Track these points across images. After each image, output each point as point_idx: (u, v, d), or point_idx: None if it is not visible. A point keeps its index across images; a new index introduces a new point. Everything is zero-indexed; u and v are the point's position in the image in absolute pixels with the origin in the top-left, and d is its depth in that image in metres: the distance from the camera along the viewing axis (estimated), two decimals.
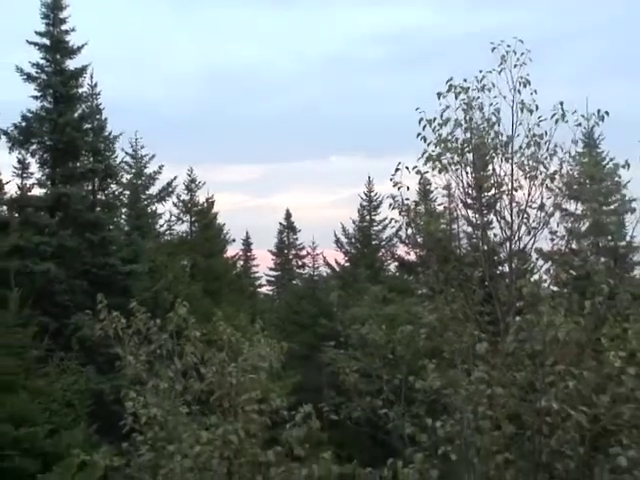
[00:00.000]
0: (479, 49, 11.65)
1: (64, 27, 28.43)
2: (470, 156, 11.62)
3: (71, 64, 28.62)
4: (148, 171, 36.51)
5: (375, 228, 43.64)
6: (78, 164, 28.63)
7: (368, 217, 43.61)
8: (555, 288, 11.71)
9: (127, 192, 31.94)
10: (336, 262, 43.51)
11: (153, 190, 36.20)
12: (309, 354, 32.20)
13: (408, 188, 11.55)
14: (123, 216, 32.18)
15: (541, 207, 11.66)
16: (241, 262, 50.55)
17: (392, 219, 12.31)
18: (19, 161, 28.44)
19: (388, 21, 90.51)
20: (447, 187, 11.84)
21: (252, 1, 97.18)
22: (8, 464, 20.18)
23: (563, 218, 12.62)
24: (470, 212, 12.51)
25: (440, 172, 11.60)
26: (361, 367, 10.94)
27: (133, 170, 35.84)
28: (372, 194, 43.48)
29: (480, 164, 11.74)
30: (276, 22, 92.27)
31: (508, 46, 11.35)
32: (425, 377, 9.75)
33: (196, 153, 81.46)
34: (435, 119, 11.39)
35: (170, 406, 9.52)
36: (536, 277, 12.32)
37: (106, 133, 29.63)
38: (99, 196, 29.46)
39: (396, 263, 42.79)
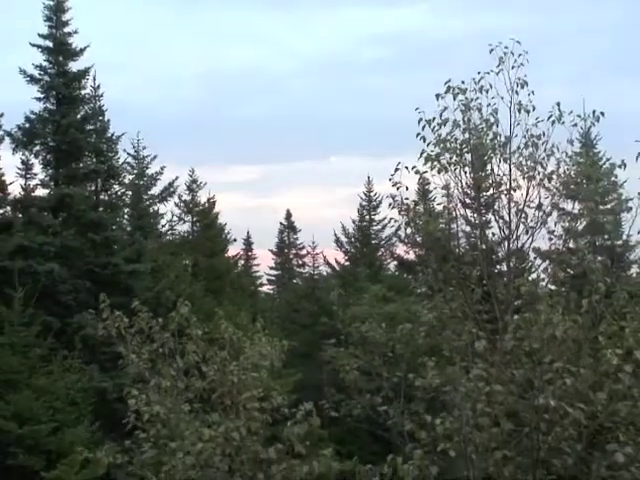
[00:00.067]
0: (478, 50, 11.64)
1: (66, 29, 28.45)
2: (469, 156, 11.62)
3: (74, 66, 28.67)
4: (150, 172, 36.46)
5: (375, 228, 43.63)
6: (81, 165, 28.63)
7: (368, 217, 43.59)
8: (553, 287, 11.71)
9: (129, 192, 31.94)
10: (336, 261, 43.57)
11: (155, 190, 36.17)
12: (309, 352, 32.20)
13: (407, 188, 11.56)
14: (125, 216, 32.15)
15: (539, 207, 11.65)
16: (242, 261, 50.55)
17: (391, 219, 12.31)
18: (23, 162, 28.49)
19: (388, 22, 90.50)
20: (446, 187, 11.82)
21: (252, 3, 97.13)
22: (12, 461, 20.20)
23: (560, 217, 12.62)
24: (469, 212, 12.50)
25: (439, 172, 11.59)
26: (361, 365, 10.94)
27: (135, 171, 35.80)
28: (371, 194, 43.47)
29: (478, 164, 11.74)
30: (275, 24, 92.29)
31: (506, 48, 11.35)
32: (424, 375, 9.76)
33: (197, 154, 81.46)
34: (434, 119, 11.39)
35: (172, 404, 9.53)
36: (534, 276, 12.30)
37: (109, 134, 29.64)
38: (102, 196, 29.48)
39: (395, 262, 42.82)
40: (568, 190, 11.94)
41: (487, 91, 11.49)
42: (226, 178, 76.53)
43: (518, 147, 11.62)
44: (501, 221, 11.84)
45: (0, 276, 24.14)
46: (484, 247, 12.15)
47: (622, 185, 20.39)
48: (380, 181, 44.18)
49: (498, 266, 13.40)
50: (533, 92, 11.46)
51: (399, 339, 11.14)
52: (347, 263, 42.95)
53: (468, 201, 12.29)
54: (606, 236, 27.15)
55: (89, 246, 27.14)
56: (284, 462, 8.72)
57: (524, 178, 11.59)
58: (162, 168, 36.23)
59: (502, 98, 11.51)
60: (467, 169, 11.69)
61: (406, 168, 11.36)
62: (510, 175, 11.64)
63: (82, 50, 28.54)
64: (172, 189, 36.63)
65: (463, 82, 11.49)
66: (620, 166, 10.63)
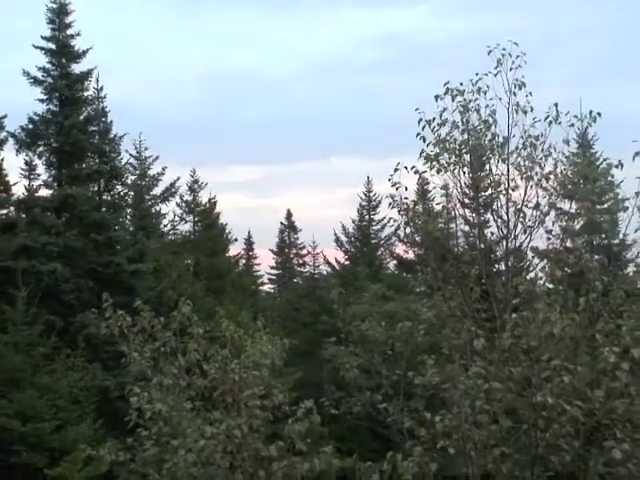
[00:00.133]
0: (478, 51, 11.61)
1: (69, 32, 28.53)
2: (467, 157, 11.62)
3: (76, 68, 28.74)
4: (152, 172, 36.52)
5: (374, 227, 43.66)
6: (84, 166, 28.68)
7: (367, 217, 43.62)
8: (550, 285, 11.68)
9: (132, 193, 31.96)
10: (336, 261, 43.62)
11: (157, 191, 36.22)
12: (310, 351, 32.20)
13: (406, 188, 11.55)
14: (128, 216, 32.19)
15: (536, 206, 11.64)
16: (243, 261, 50.57)
17: (391, 218, 12.29)
18: (26, 163, 28.54)
19: (387, 24, 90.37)
20: (445, 187, 11.82)
21: (253, 6, 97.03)
22: (16, 459, 20.22)
23: (558, 217, 12.60)
24: (467, 211, 12.50)
25: (438, 172, 11.59)
26: (361, 363, 10.93)
27: (137, 171, 35.82)
28: (371, 194, 43.52)
29: (477, 165, 11.73)
30: (276, 26, 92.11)
31: (504, 49, 11.35)
32: (424, 372, 9.76)
33: (199, 154, 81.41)
34: (434, 119, 11.40)
35: (174, 402, 9.52)
36: (532, 275, 12.30)
37: (111, 135, 29.65)
38: (105, 197, 29.52)
39: (395, 261, 42.85)
40: (565, 190, 11.93)
41: (485, 92, 11.49)
42: (227, 178, 76.57)
43: (516, 148, 11.62)
44: (499, 221, 11.83)
45: (4, 276, 24.16)
46: (483, 246, 12.14)
47: (619, 185, 20.43)
48: (380, 181, 44.25)
49: (496, 265, 13.39)
50: (531, 93, 11.46)
51: (399, 337, 11.14)
52: (347, 262, 42.99)
53: (467, 201, 12.29)
54: (603, 235, 27.17)
55: (92, 246, 27.17)
56: (285, 459, 8.72)
57: (522, 178, 11.59)
58: (164, 169, 36.31)
59: (500, 99, 11.51)
60: (466, 169, 11.69)
61: (405, 168, 11.35)
62: (508, 175, 11.64)
63: (85, 52, 28.58)
64: (174, 189, 36.70)
65: (461, 84, 11.49)
66: (617, 166, 10.62)
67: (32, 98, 28.21)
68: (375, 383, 10.58)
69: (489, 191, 11.96)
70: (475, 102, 11.50)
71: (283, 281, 52.74)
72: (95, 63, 28.94)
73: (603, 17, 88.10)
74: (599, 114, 11.18)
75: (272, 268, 54.30)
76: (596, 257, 10.77)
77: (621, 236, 26.92)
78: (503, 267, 12.38)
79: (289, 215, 53.99)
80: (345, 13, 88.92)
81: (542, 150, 11.52)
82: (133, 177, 34.25)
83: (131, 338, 9.96)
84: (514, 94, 11.46)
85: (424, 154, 11.46)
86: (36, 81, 28.15)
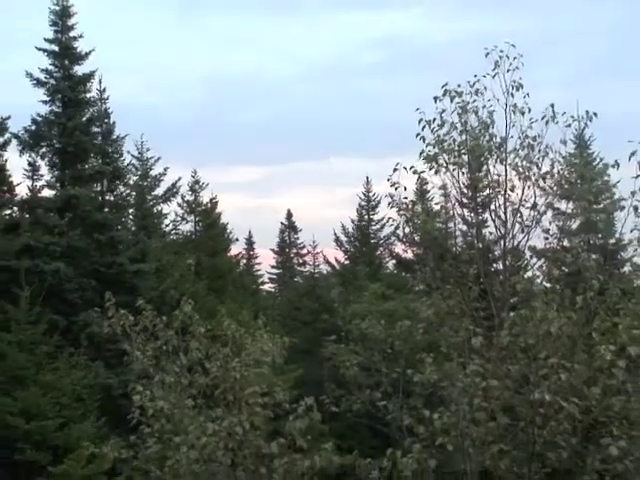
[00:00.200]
0: (476, 52, 11.61)
1: (72, 34, 28.45)
2: (466, 157, 11.63)
3: (79, 70, 28.67)
4: (154, 173, 36.55)
5: (373, 227, 43.66)
6: (87, 166, 28.64)
7: (366, 216, 43.63)
8: (548, 284, 11.71)
9: (134, 193, 31.95)
10: (336, 260, 43.63)
11: (159, 191, 36.26)
12: (310, 349, 32.19)
13: (405, 188, 11.57)
14: (130, 216, 32.18)
15: (534, 206, 11.65)
16: (244, 260, 50.51)
17: (390, 218, 12.30)
18: (29, 164, 28.54)
19: (384, 26, 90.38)
20: (443, 187, 11.84)
21: (253, 9, 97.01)
22: (20, 456, 20.22)
23: (555, 217, 12.63)
24: (466, 211, 12.52)
25: (437, 173, 11.61)
26: (361, 361, 10.95)
27: (139, 172, 35.84)
28: (370, 194, 43.53)
29: (475, 165, 11.74)
30: (276, 28, 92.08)
31: (501, 51, 11.36)
32: (422, 370, 9.77)
33: (200, 155, 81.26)
34: (435, 119, 11.42)
35: (176, 399, 9.54)
36: (529, 274, 12.32)
37: (114, 136, 29.64)
38: (107, 197, 29.48)
39: (394, 261, 42.83)
40: (562, 190, 11.94)
41: (482, 94, 11.50)
42: (228, 179, 76.47)
43: (514, 148, 11.63)
44: (497, 220, 11.84)
45: (7, 275, 24.16)
46: (481, 246, 12.15)
47: (615, 185, 20.44)
48: (379, 182, 44.23)
49: (494, 264, 13.41)
50: (528, 94, 11.47)
51: (398, 336, 11.16)
52: (347, 262, 43.00)
53: (465, 201, 12.30)
54: (599, 235, 27.14)
55: (94, 246, 27.16)
56: (286, 456, 8.73)
57: (520, 178, 11.60)
58: (165, 169, 36.34)
59: (498, 100, 11.52)
60: (464, 170, 11.70)
61: (405, 168, 11.36)
62: (506, 175, 11.64)
63: (87, 54, 28.55)
64: (175, 190, 36.72)
65: (459, 85, 11.51)
66: (613, 166, 10.62)
67: (35, 99, 28.19)
68: (375, 381, 10.60)
69: (487, 191, 11.97)
70: (473, 104, 11.53)
71: (284, 280, 52.71)
72: (97, 65, 28.90)
73: (601, 18, 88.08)
74: (595, 114, 11.20)
75: (273, 267, 54.32)
76: (593, 256, 10.79)
77: (617, 235, 26.90)
78: (501, 266, 12.39)
79: (289, 215, 54.00)
80: (344, 16, 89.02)
81: (539, 151, 11.53)
82: (135, 178, 34.28)
83: (133, 337, 9.98)
84: (512, 95, 11.48)
85: (424, 154, 11.48)
86: (39, 83, 28.12)
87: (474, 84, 11.42)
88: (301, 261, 52.00)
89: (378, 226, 43.28)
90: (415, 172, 11.54)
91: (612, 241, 27.04)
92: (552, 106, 11.34)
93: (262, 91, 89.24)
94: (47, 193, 28.48)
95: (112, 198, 29.66)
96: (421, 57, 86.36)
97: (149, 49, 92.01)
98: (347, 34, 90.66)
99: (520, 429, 8.72)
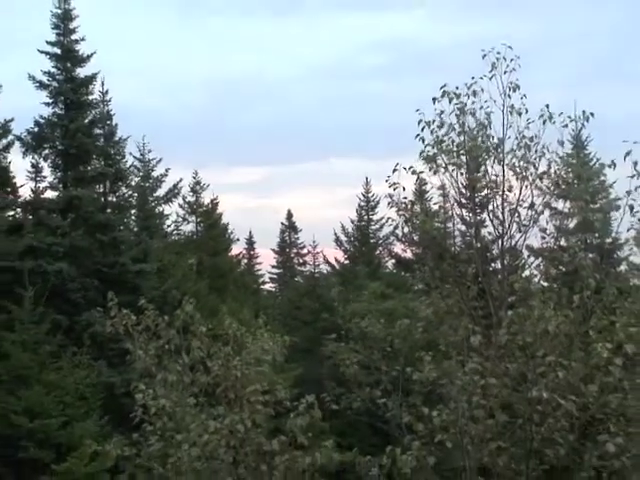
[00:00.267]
0: (477, 55, 11.60)
1: (74, 37, 28.48)
2: (464, 158, 11.63)
3: (81, 72, 28.70)
4: (155, 174, 36.52)
5: (373, 227, 43.67)
6: (89, 168, 28.65)
7: (366, 217, 43.64)
8: (545, 283, 11.73)
9: (136, 194, 31.95)
10: (336, 260, 43.63)
11: (160, 192, 36.22)
12: (311, 347, 32.20)
13: (404, 188, 11.58)
14: (132, 217, 32.18)
15: (531, 206, 11.66)
16: (245, 260, 50.54)
17: (389, 218, 12.29)
18: (32, 165, 28.51)
19: (386, 29, 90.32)
20: (442, 187, 11.85)
21: (254, 11, 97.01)
22: (24, 454, 20.24)
23: (552, 216, 12.65)
24: (464, 211, 12.53)
25: (435, 173, 11.63)
26: (361, 359, 10.96)
27: (141, 173, 35.84)
28: (369, 195, 43.54)
29: (473, 166, 11.75)
30: (277, 30, 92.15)
31: (498, 53, 11.36)
32: (422, 368, 9.78)
33: (201, 156, 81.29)
34: (434, 121, 11.43)
35: (178, 398, 9.54)
36: (527, 273, 12.34)
37: (116, 138, 29.65)
38: (109, 198, 29.50)
39: (393, 260, 42.86)
40: (559, 190, 11.95)
41: (479, 95, 11.49)
42: (229, 180, 76.50)
43: (511, 149, 11.64)
44: (495, 220, 11.85)
45: (11, 276, 24.17)
46: (479, 245, 12.17)
47: (612, 185, 20.46)
48: (379, 182, 44.23)
49: (493, 264, 13.43)
50: (525, 95, 11.47)
51: (397, 334, 11.17)
52: (347, 261, 43.01)
53: (463, 201, 12.30)
54: (596, 234, 27.17)
55: (97, 246, 27.17)
56: (287, 453, 8.73)
57: (517, 178, 11.61)
58: (167, 170, 36.31)
59: (495, 101, 11.53)
60: (463, 170, 11.71)
61: (404, 169, 11.38)
62: (504, 176, 11.66)
63: (89, 57, 28.58)
64: (177, 190, 36.70)
65: (457, 87, 11.51)
66: (610, 166, 10.62)
67: (38, 102, 28.23)
68: (374, 379, 10.61)
69: (485, 191, 11.98)
70: (472, 105, 11.53)
71: (284, 280, 52.71)
72: (99, 67, 28.94)
73: (602, 19, 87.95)
74: (592, 114, 11.20)
75: (273, 267, 54.32)
76: (589, 255, 10.80)
77: (614, 235, 26.95)
78: (499, 265, 12.41)
79: (290, 215, 54.01)
80: (346, 17, 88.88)
81: (536, 151, 11.54)
82: (137, 179, 34.27)
83: (136, 336, 9.98)
84: (509, 96, 11.48)
85: (424, 155, 11.50)
86: (42, 85, 28.14)
87: (471, 86, 11.43)
88: (301, 261, 52.03)
89: (377, 226, 43.31)
90: (414, 172, 11.55)
91: (609, 240, 27.08)
92: (547, 107, 11.35)
93: (263, 92, 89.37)
94: (50, 194, 28.54)
95: (114, 199, 29.70)
96: (424, 59, 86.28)
97: (150, 51, 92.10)
98: (348, 36, 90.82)
99: (518, 426, 8.73)
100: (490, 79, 11.42)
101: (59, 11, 28.20)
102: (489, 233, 12.24)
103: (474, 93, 11.44)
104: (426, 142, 11.49)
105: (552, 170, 11.66)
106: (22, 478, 20.73)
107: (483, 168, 11.81)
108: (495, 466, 8.75)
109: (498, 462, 8.70)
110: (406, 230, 12.39)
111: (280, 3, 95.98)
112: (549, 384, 8.23)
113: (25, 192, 28.23)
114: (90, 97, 28.87)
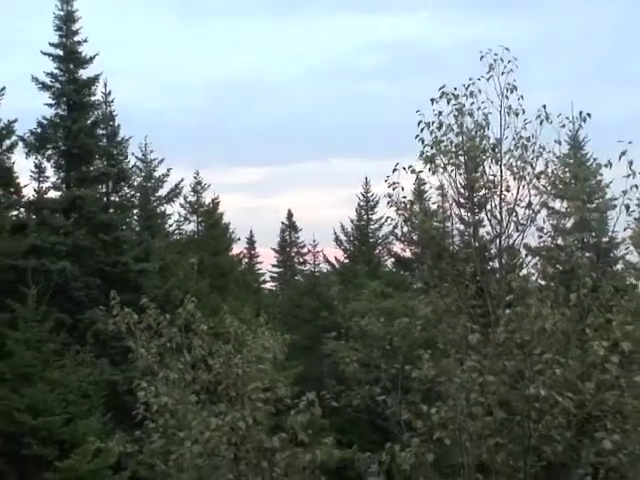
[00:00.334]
0: (476, 56, 11.58)
1: (76, 38, 28.49)
2: (462, 158, 11.63)
3: (84, 73, 28.72)
4: (157, 174, 36.55)
5: (372, 227, 43.68)
6: (92, 168, 28.68)
7: (365, 216, 43.65)
8: (542, 282, 11.71)
9: (138, 194, 31.98)
10: (336, 259, 43.66)
11: (162, 192, 36.25)
12: (311, 345, 32.20)
13: (403, 188, 11.57)
14: (134, 217, 32.21)
15: (529, 205, 11.65)
16: (246, 260, 50.53)
17: (388, 217, 12.28)
18: (36, 165, 28.56)
19: (386, 30, 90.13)
20: (441, 187, 11.85)
21: (254, 12, 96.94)
22: (27, 451, 20.25)
23: (549, 215, 12.64)
24: (462, 211, 12.51)
25: (434, 173, 11.62)
26: (360, 357, 10.95)
27: (143, 173, 35.87)
28: (369, 195, 43.56)
29: (471, 166, 11.74)
30: (277, 31, 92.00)
31: (495, 54, 11.36)
32: (420, 366, 9.78)
33: (202, 157, 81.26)
34: (433, 122, 11.43)
35: (180, 395, 9.54)
36: (524, 271, 12.33)
37: (118, 138, 29.66)
38: (112, 198, 29.53)
39: (393, 259, 42.88)
40: (556, 189, 11.95)
41: (476, 96, 11.49)
42: (230, 180, 76.44)
43: (509, 149, 11.63)
44: (493, 219, 11.85)
45: (15, 275, 24.19)
46: (477, 244, 12.16)
47: (608, 185, 20.44)
48: (379, 182, 44.26)
49: (490, 262, 13.42)
50: (522, 96, 11.45)
51: (396, 333, 11.17)
52: (346, 261, 43.04)
53: (462, 201, 12.29)
54: (593, 233, 27.14)
55: (100, 246, 27.18)
56: (287, 450, 8.74)
57: (514, 178, 11.60)
58: (168, 170, 36.35)
59: (492, 102, 11.52)
60: (461, 170, 11.71)
61: (403, 168, 11.37)
62: (501, 176, 11.65)
63: (92, 58, 28.60)
64: (178, 190, 36.72)
65: (455, 88, 11.51)
66: (606, 165, 10.61)
67: (41, 103, 28.26)
68: (374, 377, 10.60)
69: (483, 191, 11.98)
70: (470, 106, 11.53)
71: (284, 279, 52.75)
72: (102, 68, 28.97)
73: (602, 19, 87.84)
74: (589, 114, 11.20)
75: (274, 266, 54.35)
76: (586, 254, 10.78)
77: (610, 234, 26.92)
78: (497, 264, 12.40)
79: (290, 215, 54.04)
80: (346, 19, 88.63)
81: (533, 151, 11.53)
82: (139, 179, 34.33)
83: (138, 334, 9.98)
84: (506, 97, 11.47)
85: (423, 155, 11.49)
86: (44, 86, 28.16)
87: (468, 87, 11.42)
88: (301, 260, 52.07)
89: (377, 225, 43.33)
90: (413, 172, 11.55)
91: (605, 239, 27.05)
92: (544, 107, 11.35)
93: (263, 93, 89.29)
94: (53, 194, 28.58)
95: (117, 199, 29.73)
96: (426, 61, 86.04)
97: (150, 52, 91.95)
98: (349, 36, 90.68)
99: (516, 423, 8.73)
100: (488, 80, 11.42)
101: (62, 13, 28.22)
102: (487, 232, 12.24)
103: (472, 94, 11.44)
104: (425, 143, 11.49)
105: (549, 170, 11.65)
106: (25, 475, 20.75)
107: (481, 168, 11.80)
108: (493, 462, 8.75)
109: (496, 459, 8.70)
110: (405, 229, 12.39)
111: (280, 3, 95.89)
112: (546, 381, 8.23)
113: (28, 192, 28.33)
114: (92, 98, 28.92)
